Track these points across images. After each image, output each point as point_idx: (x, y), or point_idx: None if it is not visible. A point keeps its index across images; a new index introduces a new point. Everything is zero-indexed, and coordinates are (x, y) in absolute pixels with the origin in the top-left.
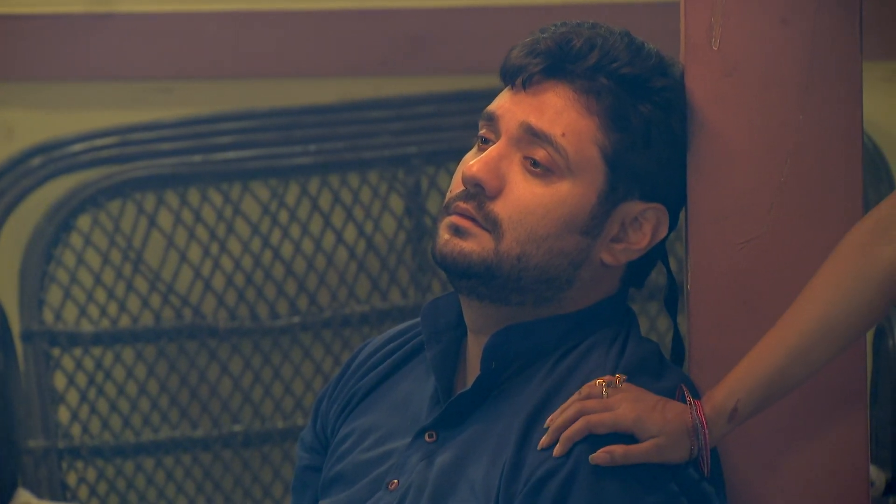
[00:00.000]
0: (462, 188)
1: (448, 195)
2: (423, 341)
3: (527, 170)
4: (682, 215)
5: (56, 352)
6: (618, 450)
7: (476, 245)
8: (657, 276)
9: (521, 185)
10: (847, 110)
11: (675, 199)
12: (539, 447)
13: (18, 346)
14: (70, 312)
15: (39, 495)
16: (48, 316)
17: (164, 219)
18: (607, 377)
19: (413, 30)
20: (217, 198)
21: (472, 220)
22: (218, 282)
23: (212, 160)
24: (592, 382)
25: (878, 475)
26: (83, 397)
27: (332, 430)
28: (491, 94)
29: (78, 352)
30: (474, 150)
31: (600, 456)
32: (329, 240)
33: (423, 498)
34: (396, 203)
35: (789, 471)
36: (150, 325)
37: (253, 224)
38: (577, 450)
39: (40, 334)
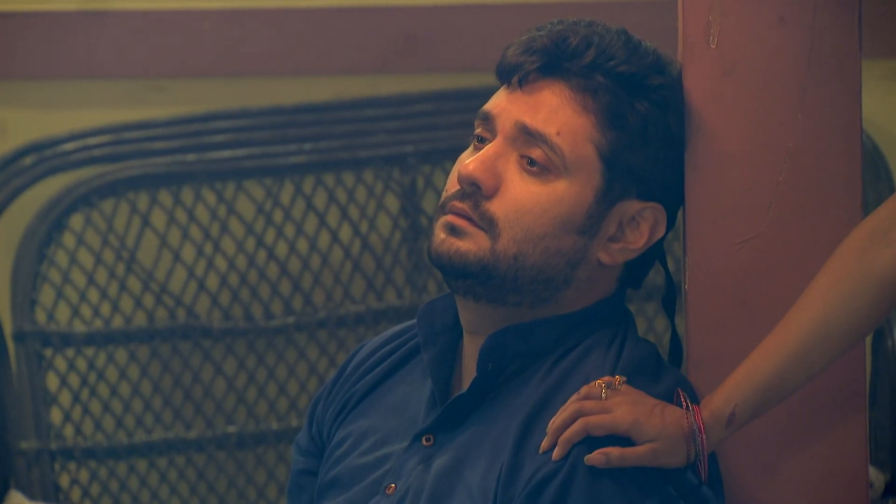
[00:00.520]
0: (458, 187)
1: (444, 194)
2: (420, 344)
3: (523, 168)
4: (679, 215)
5: (48, 352)
6: (614, 452)
7: (472, 244)
8: (655, 277)
9: (517, 184)
10: (846, 109)
11: (672, 199)
12: (540, 451)
13: (10, 346)
14: (62, 313)
15: (32, 497)
16: (40, 316)
17: (158, 218)
18: (606, 378)
19: (409, 28)
20: (211, 197)
21: (468, 219)
22: (212, 282)
23: (206, 159)
24: (592, 384)
25: (877, 477)
26: (76, 398)
27: (329, 433)
28: (488, 93)
29: (70, 352)
30: (470, 149)
31: (596, 457)
32: (324, 239)
33: (421, 502)
34: (392, 202)
35: (788, 473)
36: (143, 326)
37: (247, 223)
38: (574, 452)
39: (32, 335)
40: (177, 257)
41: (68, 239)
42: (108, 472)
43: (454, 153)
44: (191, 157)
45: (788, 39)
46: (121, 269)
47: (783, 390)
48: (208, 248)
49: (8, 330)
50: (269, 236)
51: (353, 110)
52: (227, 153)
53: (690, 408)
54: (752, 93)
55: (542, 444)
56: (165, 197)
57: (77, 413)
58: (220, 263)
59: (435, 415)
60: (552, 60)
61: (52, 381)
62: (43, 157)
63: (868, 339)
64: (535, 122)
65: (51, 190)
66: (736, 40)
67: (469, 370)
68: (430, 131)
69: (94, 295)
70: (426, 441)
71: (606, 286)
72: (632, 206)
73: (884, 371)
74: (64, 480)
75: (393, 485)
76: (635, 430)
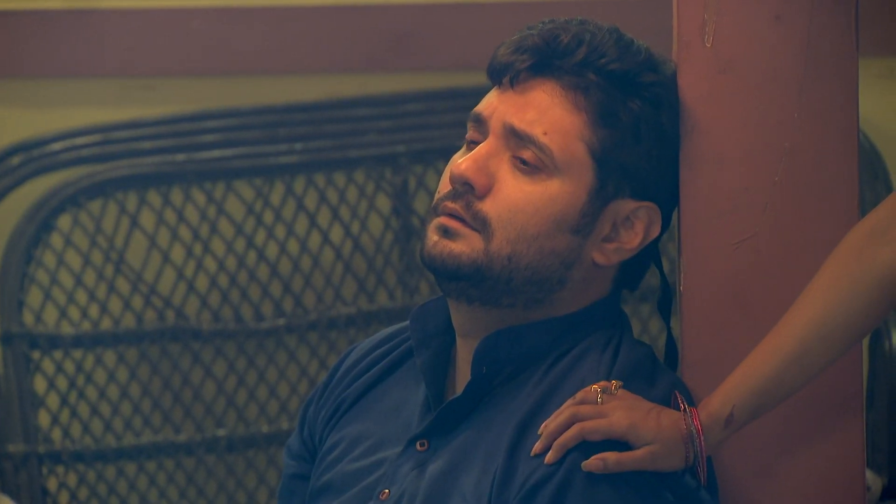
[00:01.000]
0: (450, 188)
1: (436, 195)
2: (413, 347)
3: (516, 168)
4: (674, 215)
5: (36, 354)
6: (610, 457)
7: (465, 246)
8: (649, 278)
9: (510, 184)
10: (843, 108)
11: (667, 198)
12: (532, 453)
13: None
14: (50, 314)
15: (19, 501)
16: (28, 318)
17: (147, 219)
18: (602, 383)
19: (400, 26)
20: (200, 197)
21: (461, 220)
22: (201, 283)
23: (195, 159)
24: (588, 388)
25: (874, 480)
26: (64, 401)
27: (320, 437)
28: (479, 91)
29: (58, 354)
30: (462, 150)
31: (593, 463)
32: (315, 240)
33: None
34: (383, 203)
35: (784, 476)
36: (132, 328)
37: (237, 224)
38: (570, 457)
39: (20, 336)
40: (166, 258)
41: (56, 240)
42: (97, 476)
43: (446, 153)
44: (180, 156)
45: (784, 38)
46: (109, 270)
47: (781, 391)
48: (198, 249)
49: None
50: (260, 237)
51: (344, 110)
52: (216, 153)
53: (688, 410)
54: (748, 92)
55: (535, 446)
56: (154, 197)
57: (65, 416)
58: (210, 264)
59: (429, 419)
60: (543, 59)
61: (40, 384)
62: (30, 156)
63: (865, 342)
64: (523, 123)
65: (38, 190)
66: (731, 39)
67: (463, 374)
68: (422, 131)
69: (82, 296)
70: (420, 446)
71: (601, 287)
72: (626, 205)
73: (881, 374)
74: (52, 484)
75: (387, 490)
76: (632, 434)
